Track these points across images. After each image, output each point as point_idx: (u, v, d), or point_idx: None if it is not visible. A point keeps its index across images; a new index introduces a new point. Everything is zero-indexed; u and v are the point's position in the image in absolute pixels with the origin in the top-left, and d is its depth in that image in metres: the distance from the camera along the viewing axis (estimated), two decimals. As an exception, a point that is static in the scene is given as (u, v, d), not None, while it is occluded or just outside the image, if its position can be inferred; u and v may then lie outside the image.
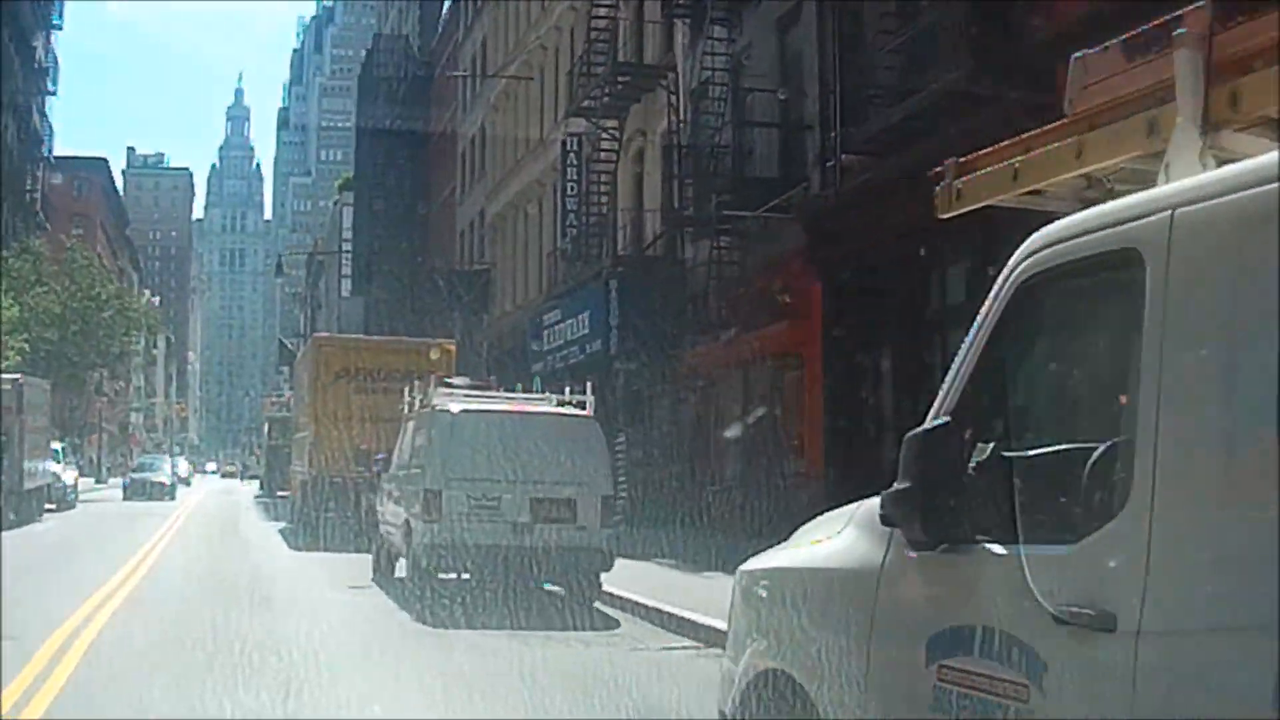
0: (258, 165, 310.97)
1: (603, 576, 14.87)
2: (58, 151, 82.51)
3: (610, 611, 14.62)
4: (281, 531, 29.65)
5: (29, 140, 65.70)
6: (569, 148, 34.11)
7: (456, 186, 54.64)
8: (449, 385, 17.68)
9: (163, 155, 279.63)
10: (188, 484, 66.14)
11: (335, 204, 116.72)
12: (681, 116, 28.15)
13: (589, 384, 17.12)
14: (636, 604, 14.46)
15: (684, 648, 12.07)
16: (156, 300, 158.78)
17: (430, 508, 14.40)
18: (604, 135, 31.45)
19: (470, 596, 13.90)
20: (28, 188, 61.89)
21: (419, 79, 61.39)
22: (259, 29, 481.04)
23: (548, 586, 15.33)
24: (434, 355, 26.72)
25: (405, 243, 60.23)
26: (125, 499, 46.84)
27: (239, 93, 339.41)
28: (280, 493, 43.65)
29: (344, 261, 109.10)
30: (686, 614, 13.12)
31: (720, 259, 25.13)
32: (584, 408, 16.38)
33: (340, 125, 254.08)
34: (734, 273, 25.00)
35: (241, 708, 7.90)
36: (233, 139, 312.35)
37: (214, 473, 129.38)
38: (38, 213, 63.78)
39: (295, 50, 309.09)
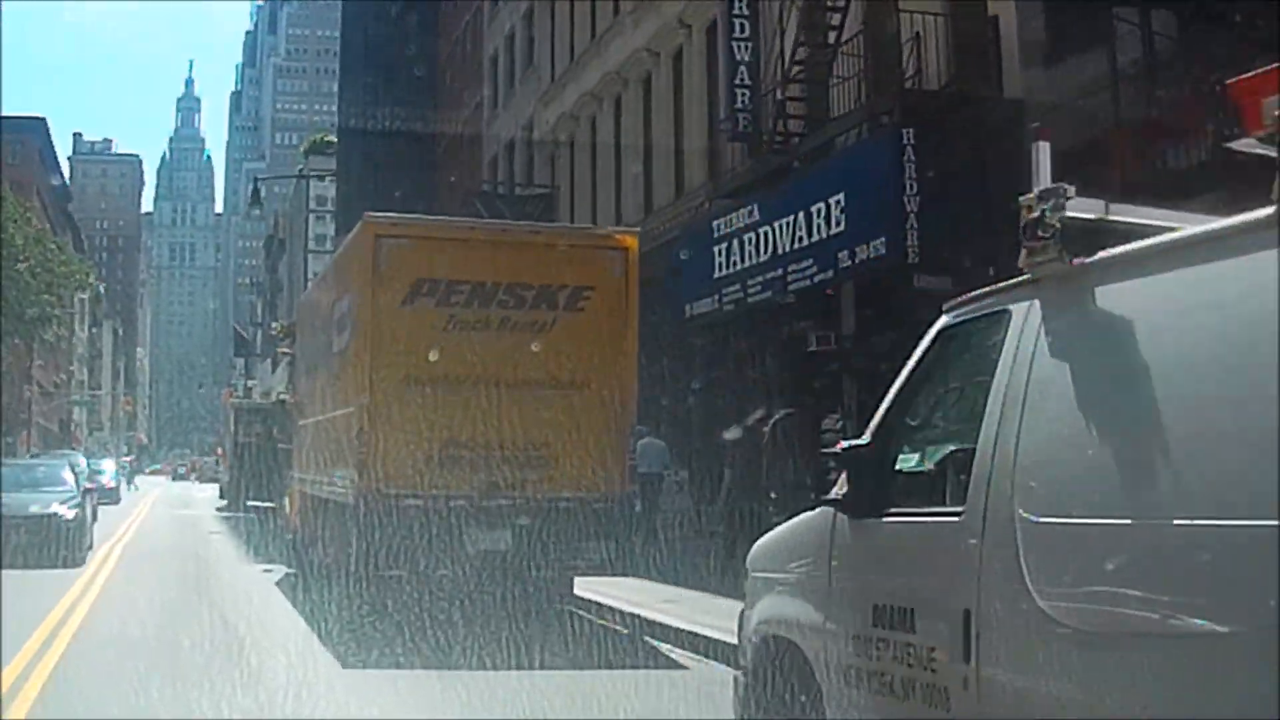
0: (208, 157, 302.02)
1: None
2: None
3: None
4: (282, 588, 16.83)
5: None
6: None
7: (484, 102, 41.74)
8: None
9: (110, 142, 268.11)
10: (115, 500, 43.18)
11: (300, 171, 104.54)
12: None
13: None
14: None
15: None
16: (102, 288, 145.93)
17: None
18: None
19: None
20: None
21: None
22: (210, 18, 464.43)
23: None
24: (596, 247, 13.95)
25: (402, 187, 47.05)
26: None
27: (189, 83, 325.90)
28: (252, 502, 33.33)
29: (310, 236, 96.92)
30: None
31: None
32: None
33: (296, 108, 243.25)
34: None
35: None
36: (183, 130, 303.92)
37: (163, 473, 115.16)
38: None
39: (249, 32, 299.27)
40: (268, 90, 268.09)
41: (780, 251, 17.35)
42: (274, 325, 67.15)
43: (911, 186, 15.10)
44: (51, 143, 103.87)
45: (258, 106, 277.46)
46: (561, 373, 13.91)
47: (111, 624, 13.23)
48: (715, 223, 19.43)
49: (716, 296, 19.02)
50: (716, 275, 19.01)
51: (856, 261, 15.61)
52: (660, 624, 12.82)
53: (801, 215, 16.92)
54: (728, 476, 20.15)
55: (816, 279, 16.56)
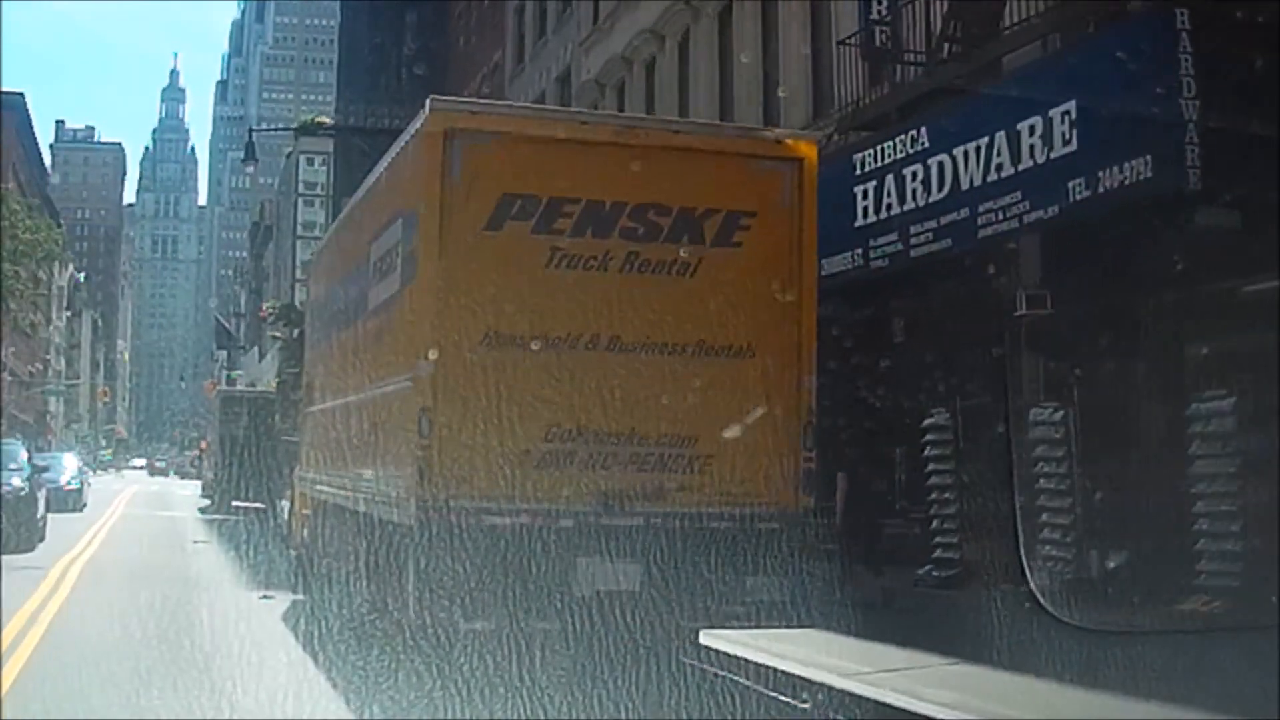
0: (192, 148, 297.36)
1: None
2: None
3: None
4: (294, 631, 12.35)
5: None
6: None
7: (504, 58, 37.30)
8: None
9: (93, 130, 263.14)
10: (77, 506, 32.65)
11: (289, 156, 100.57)
12: None
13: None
14: None
15: None
16: (81, 276, 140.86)
17: None
18: None
19: None
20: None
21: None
22: (197, 8, 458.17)
23: None
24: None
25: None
26: None
27: (174, 74, 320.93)
28: (238, 503, 30.18)
29: (299, 221, 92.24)
30: None
31: None
32: None
33: (283, 98, 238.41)
34: None
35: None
36: (167, 121, 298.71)
37: (143, 469, 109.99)
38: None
39: (235, 21, 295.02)
40: (254, 80, 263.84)
41: (967, 186, 12.91)
42: (265, 305, 62.56)
43: (1189, 87, 10.70)
44: (30, 121, 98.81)
45: (244, 96, 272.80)
46: (714, 334, 9.62)
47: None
48: (858, 157, 14.92)
49: (860, 250, 14.56)
50: (859, 223, 14.56)
51: (1101, 191, 11.17)
52: (891, 708, 8.39)
53: (1001, 136, 12.48)
54: (842, 483, 15.78)
55: (1029, 218, 12.12)
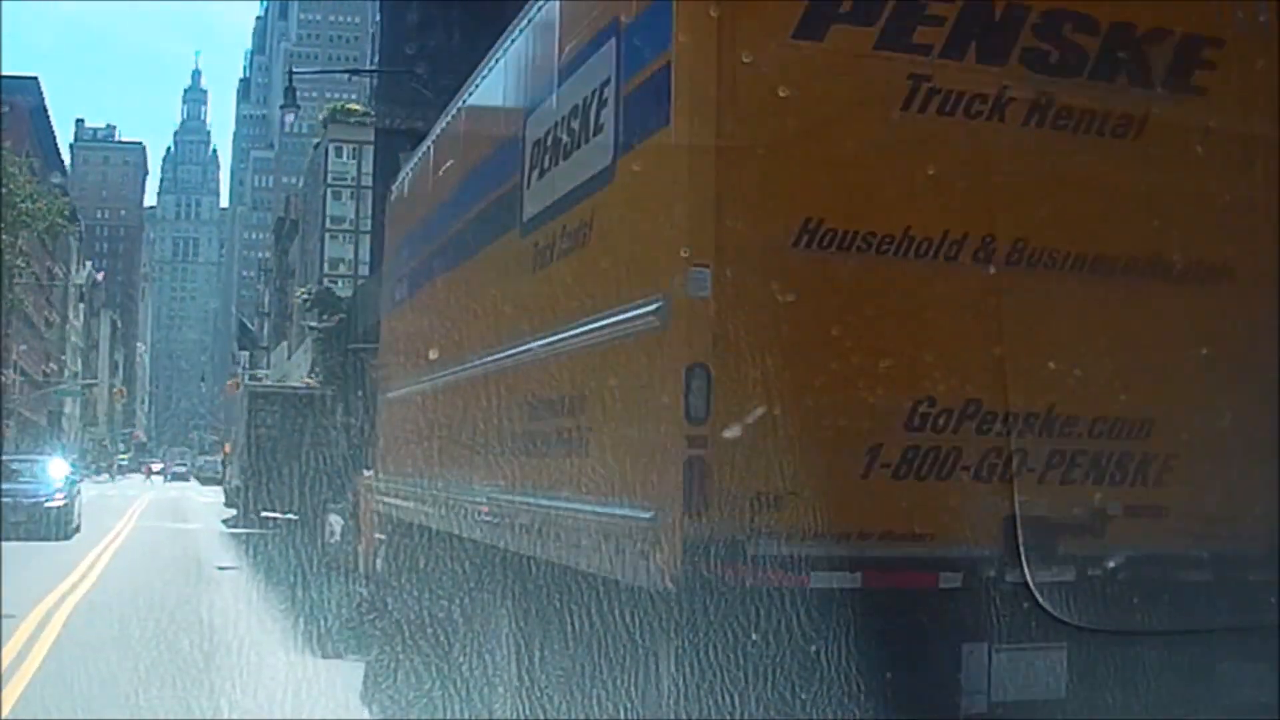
0: (214, 149, 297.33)
1: None
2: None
3: None
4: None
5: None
6: None
7: None
8: None
9: (114, 129, 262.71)
10: (64, 530, 25.58)
11: (317, 146, 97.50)
12: None
13: None
14: None
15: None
16: (100, 275, 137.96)
17: None
18: None
19: None
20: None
21: None
22: (219, 9, 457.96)
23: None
24: None
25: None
26: None
27: (196, 74, 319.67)
28: (268, 513, 27.66)
29: (328, 215, 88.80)
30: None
31: None
32: None
33: (307, 95, 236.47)
34: None
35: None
36: (189, 122, 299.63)
37: (159, 473, 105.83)
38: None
39: (259, 18, 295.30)
40: (277, 78, 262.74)
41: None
42: (299, 291, 58.41)
43: None
44: (45, 108, 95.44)
45: (266, 94, 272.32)
46: (1174, 243, 5.38)
47: None
48: None
49: None
50: None
51: None
52: None
53: None
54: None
55: None
